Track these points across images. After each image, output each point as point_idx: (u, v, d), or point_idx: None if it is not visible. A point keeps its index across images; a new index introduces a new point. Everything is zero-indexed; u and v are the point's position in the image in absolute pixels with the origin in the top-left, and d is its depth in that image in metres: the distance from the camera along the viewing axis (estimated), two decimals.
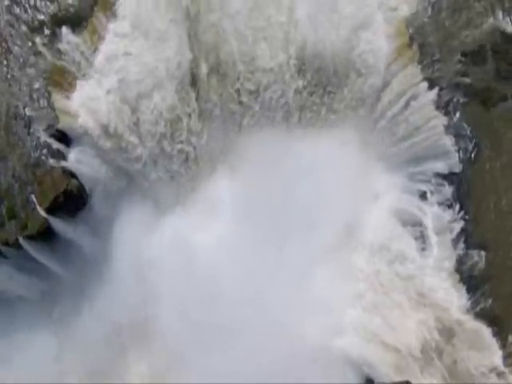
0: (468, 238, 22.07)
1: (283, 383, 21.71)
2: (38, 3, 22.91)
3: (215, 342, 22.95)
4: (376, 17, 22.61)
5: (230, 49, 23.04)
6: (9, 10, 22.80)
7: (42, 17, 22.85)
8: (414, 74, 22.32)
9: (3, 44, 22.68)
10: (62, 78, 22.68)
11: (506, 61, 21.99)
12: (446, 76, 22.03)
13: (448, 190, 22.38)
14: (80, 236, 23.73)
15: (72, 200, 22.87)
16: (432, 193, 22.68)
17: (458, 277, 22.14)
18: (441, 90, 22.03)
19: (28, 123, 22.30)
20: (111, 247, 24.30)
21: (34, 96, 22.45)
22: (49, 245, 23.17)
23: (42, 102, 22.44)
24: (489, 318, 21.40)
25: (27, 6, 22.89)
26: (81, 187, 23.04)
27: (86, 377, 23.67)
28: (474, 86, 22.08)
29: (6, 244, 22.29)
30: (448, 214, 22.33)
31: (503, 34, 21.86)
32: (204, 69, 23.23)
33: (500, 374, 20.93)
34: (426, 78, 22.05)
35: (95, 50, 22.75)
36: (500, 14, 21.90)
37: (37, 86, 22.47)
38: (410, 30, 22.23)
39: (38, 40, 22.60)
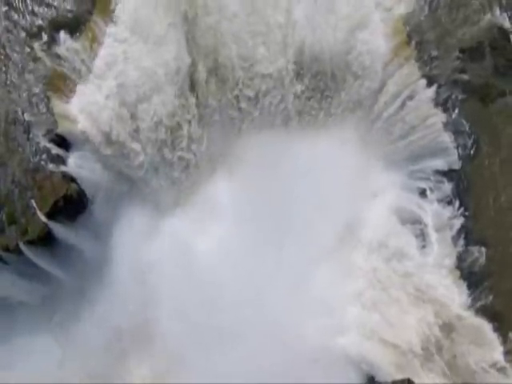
0: (468, 234, 22.24)
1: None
2: (36, 9, 23.13)
3: (216, 344, 23.15)
4: (373, 17, 22.83)
5: (228, 53, 23.28)
6: (7, 16, 23.02)
7: (40, 22, 23.03)
8: (410, 74, 22.53)
9: (1, 50, 22.92)
10: (61, 83, 22.87)
11: (504, 56, 22.23)
12: (444, 73, 22.24)
13: (447, 187, 22.55)
14: (80, 240, 23.91)
15: (72, 204, 23.09)
16: (431, 190, 22.87)
17: (458, 273, 22.31)
18: (439, 87, 22.27)
19: (27, 128, 22.50)
20: (111, 251, 24.48)
21: (33, 101, 22.65)
22: (49, 250, 23.35)
23: (41, 107, 22.63)
24: (490, 314, 21.54)
25: (25, 11, 23.12)
26: (80, 191, 23.25)
27: (88, 381, 23.83)
28: (472, 83, 22.30)
29: (7, 250, 22.47)
30: (448, 211, 22.49)
31: (501, 29, 22.12)
32: (203, 73, 23.52)
33: (501, 370, 21.08)
34: (424, 76, 22.29)
35: (94, 54, 22.90)
36: (497, 11, 22.15)
37: (36, 91, 22.66)
38: (408, 28, 22.46)
39: (36, 46, 22.79)
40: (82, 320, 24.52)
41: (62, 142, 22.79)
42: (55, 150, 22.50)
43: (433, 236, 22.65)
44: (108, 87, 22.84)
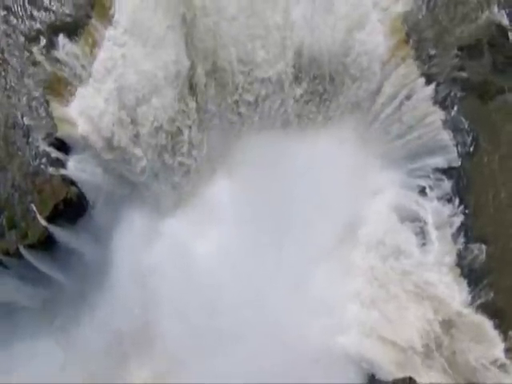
0: (468, 231, 22.40)
1: None
2: (35, 13, 23.25)
3: (216, 345, 23.37)
4: (371, 16, 22.99)
5: (228, 56, 23.49)
6: (5, 20, 23.17)
7: (39, 26, 23.13)
8: (408, 74, 22.69)
9: (0, 55, 23.05)
10: (60, 87, 23.05)
11: (503, 54, 22.41)
12: (442, 71, 22.44)
13: (447, 185, 22.72)
14: (81, 243, 24.13)
15: (72, 208, 23.27)
16: (431, 188, 23.05)
17: (458, 271, 22.46)
18: (438, 85, 22.47)
19: (27, 132, 22.64)
20: (112, 254, 24.77)
21: (33, 105, 22.80)
22: (49, 253, 23.53)
23: (40, 111, 22.78)
24: (490, 311, 21.69)
25: (24, 15, 23.26)
26: (80, 195, 23.43)
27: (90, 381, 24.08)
28: (471, 80, 22.49)
29: (7, 254, 22.60)
30: (448, 209, 22.65)
31: (499, 27, 22.32)
32: (202, 77, 23.76)
33: (501, 367, 21.19)
34: (423, 74, 22.47)
35: (93, 58, 23.07)
36: (495, 8, 22.34)
37: (35, 95, 22.80)
38: (406, 27, 22.63)
39: (35, 50, 22.90)
40: (82, 324, 24.78)
41: (62, 146, 22.90)
42: (55, 153, 22.61)
43: (433, 234, 22.81)
44: (107, 90, 23.00)
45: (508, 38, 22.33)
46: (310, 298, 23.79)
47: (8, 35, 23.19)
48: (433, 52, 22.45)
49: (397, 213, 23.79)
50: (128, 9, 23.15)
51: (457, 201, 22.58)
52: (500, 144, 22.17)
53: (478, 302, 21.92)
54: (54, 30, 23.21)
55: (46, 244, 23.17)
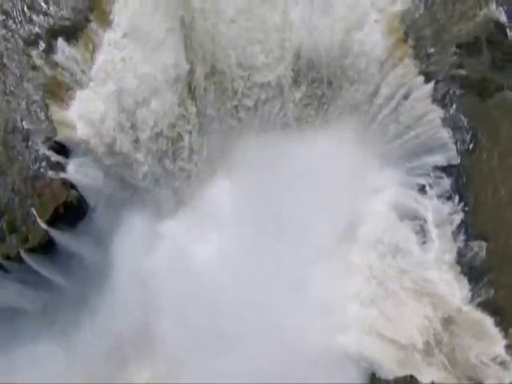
0: (468, 229, 22.53)
1: None
2: (34, 17, 23.44)
3: (217, 347, 23.54)
4: (369, 16, 23.09)
5: (227, 60, 23.62)
6: (4, 24, 23.38)
7: (37, 30, 23.33)
8: (405, 74, 22.79)
9: None
10: (59, 91, 23.25)
11: (501, 50, 22.57)
12: (441, 69, 22.60)
13: (447, 182, 22.88)
14: (81, 247, 24.30)
15: (72, 211, 23.49)
16: (431, 186, 23.20)
17: (459, 268, 22.57)
18: (437, 83, 22.60)
19: (26, 137, 22.86)
20: (112, 257, 24.94)
21: (32, 109, 23.01)
22: (50, 257, 23.74)
23: (40, 115, 23.00)
24: (491, 308, 21.81)
25: (22, 20, 23.45)
26: (80, 198, 23.62)
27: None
28: (469, 78, 22.64)
29: (8, 258, 22.81)
30: (447, 207, 22.80)
31: (497, 24, 22.49)
32: (201, 80, 23.92)
33: (502, 363, 21.26)
34: (421, 72, 22.61)
35: (92, 61, 23.25)
36: (493, 5, 22.51)
37: (34, 99, 23.03)
38: (404, 26, 22.76)
39: (34, 54, 23.11)
40: (83, 327, 24.93)
41: (61, 149, 23.06)
42: (54, 157, 22.83)
43: (433, 232, 22.95)
44: (107, 94, 23.13)
45: (506, 35, 22.49)
46: (309, 299, 23.94)
47: (7, 40, 23.40)
48: (431, 50, 22.59)
49: (396, 211, 23.96)
50: (127, 13, 23.31)
51: (456, 198, 22.72)
52: (499, 141, 22.30)
53: (479, 299, 22.04)
54: (53, 34, 23.40)
55: (47, 248, 23.40)
